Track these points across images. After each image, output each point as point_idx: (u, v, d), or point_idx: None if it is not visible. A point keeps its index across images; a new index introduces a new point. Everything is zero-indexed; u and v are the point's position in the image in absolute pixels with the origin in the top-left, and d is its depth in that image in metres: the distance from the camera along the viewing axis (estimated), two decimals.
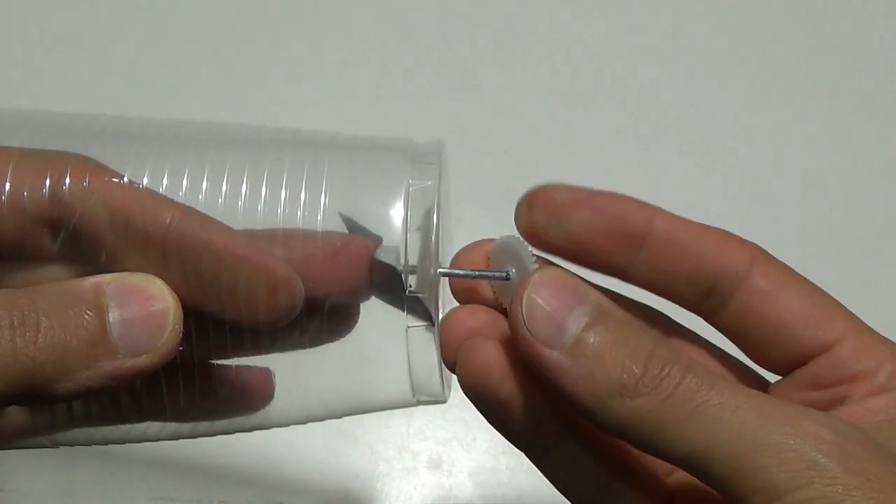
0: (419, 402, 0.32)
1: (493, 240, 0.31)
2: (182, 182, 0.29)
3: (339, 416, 0.32)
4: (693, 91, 0.64)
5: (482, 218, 0.47)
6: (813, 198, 0.61)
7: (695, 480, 0.30)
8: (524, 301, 0.28)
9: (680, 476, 0.33)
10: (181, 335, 0.28)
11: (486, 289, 0.32)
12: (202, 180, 0.29)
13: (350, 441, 0.54)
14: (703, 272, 0.31)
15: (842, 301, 0.31)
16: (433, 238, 0.30)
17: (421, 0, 0.67)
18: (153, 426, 0.31)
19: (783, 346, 0.31)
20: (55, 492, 0.53)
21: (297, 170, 0.29)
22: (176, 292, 0.28)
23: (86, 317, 0.27)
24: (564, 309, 0.28)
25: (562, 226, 0.30)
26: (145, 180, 0.29)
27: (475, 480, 0.52)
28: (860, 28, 0.66)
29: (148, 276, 0.28)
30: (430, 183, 0.30)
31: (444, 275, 0.31)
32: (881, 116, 0.63)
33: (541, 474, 0.33)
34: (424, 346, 0.30)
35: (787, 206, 0.61)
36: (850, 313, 0.32)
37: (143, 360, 0.27)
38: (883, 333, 0.31)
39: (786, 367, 0.32)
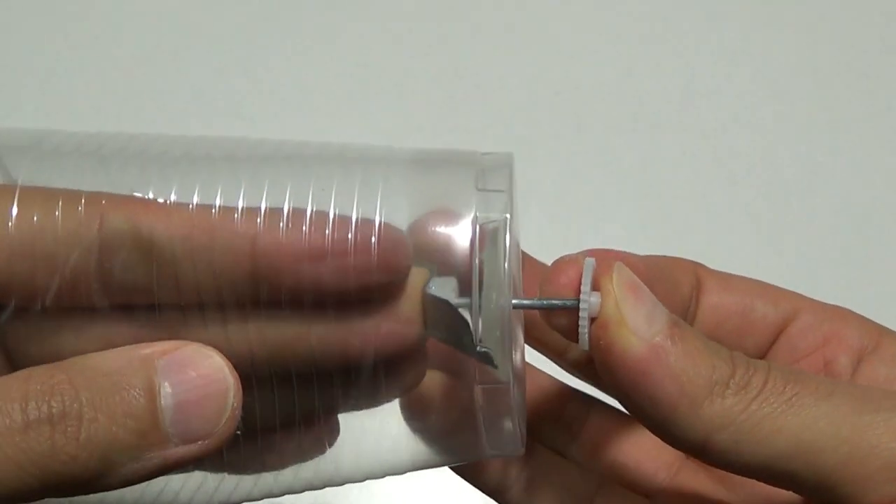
0: (492, 457, 0.29)
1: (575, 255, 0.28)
2: (215, 201, 0.25)
3: (400, 474, 0.29)
4: (694, 92, 0.64)
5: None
6: (815, 198, 0.61)
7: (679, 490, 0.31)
8: (618, 279, 0.26)
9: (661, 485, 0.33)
10: (240, 419, 0.24)
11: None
12: (238, 199, 0.26)
13: None
14: (681, 295, 0.31)
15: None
16: (503, 265, 0.26)
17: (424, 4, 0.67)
18: (172, 481, 0.28)
19: (755, 330, 0.31)
20: None
21: (347, 190, 0.26)
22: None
23: (135, 402, 0.23)
24: (650, 301, 0.27)
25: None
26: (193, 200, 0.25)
27: None
28: (862, 28, 0.66)
29: (203, 348, 0.25)
30: (500, 217, 0.26)
31: (517, 307, 0.27)
32: (884, 116, 0.63)
33: None
34: (499, 405, 0.27)
35: (788, 206, 0.61)
36: (793, 291, 0.32)
37: (196, 449, 0.24)
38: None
39: (760, 353, 0.32)
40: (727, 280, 0.32)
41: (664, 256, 0.32)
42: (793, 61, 0.65)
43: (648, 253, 0.31)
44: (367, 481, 0.30)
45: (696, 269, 0.32)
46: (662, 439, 0.27)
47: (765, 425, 0.26)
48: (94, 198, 0.25)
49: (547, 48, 0.65)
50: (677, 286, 0.31)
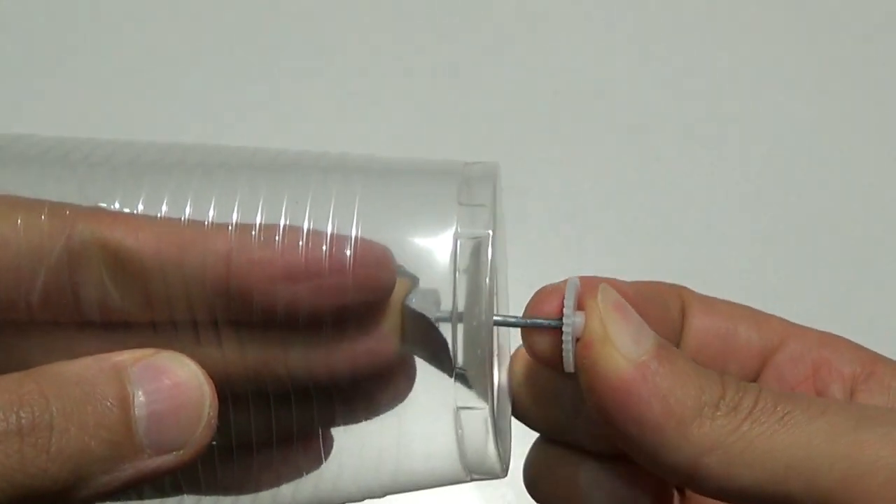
0: (472, 479, 0.28)
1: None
2: (185, 212, 0.25)
3: (379, 496, 0.28)
4: (693, 91, 0.63)
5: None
6: (814, 199, 0.60)
7: None
8: (603, 298, 0.26)
9: None
10: (216, 428, 0.24)
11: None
12: (208, 210, 0.25)
13: None
14: (672, 319, 0.30)
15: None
16: (485, 281, 0.25)
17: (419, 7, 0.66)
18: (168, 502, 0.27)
19: (739, 355, 0.30)
20: None
21: (322, 202, 0.25)
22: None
23: (108, 413, 0.23)
24: (636, 322, 0.26)
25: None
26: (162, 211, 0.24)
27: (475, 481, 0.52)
28: (861, 29, 0.66)
29: (177, 356, 0.24)
30: (481, 233, 0.26)
31: (498, 324, 0.26)
32: (883, 117, 0.63)
33: None
34: (478, 429, 0.26)
35: (787, 207, 0.60)
36: (779, 317, 0.31)
37: (171, 459, 0.23)
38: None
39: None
40: (711, 303, 0.31)
41: (649, 281, 0.31)
42: (794, 66, 0.64)
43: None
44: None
45: (681, 292, 0.31)
46: (650, 468, 0.26)
47: (756, 446, 0.24)
48: (58, 209, 0.24)
49: (545, 50, 0.65)
50: (667, 309, 0.30)
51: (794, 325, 0.31)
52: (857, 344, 0.30)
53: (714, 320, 0.30)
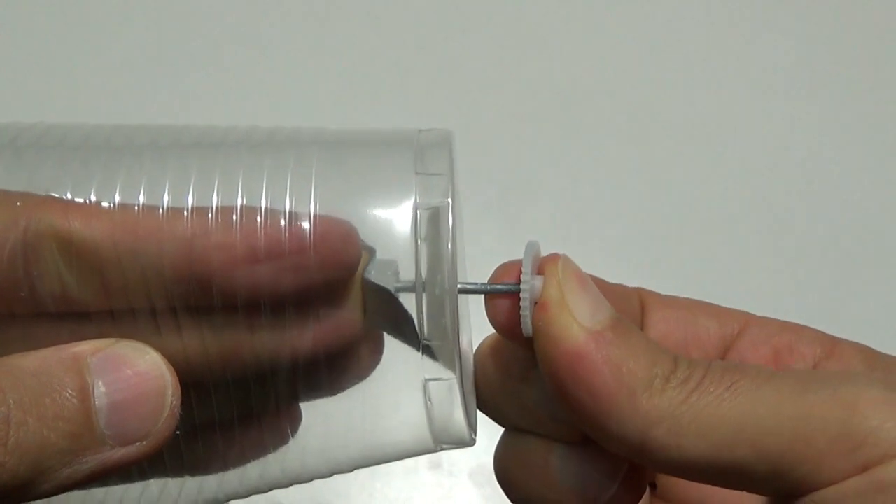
0: (442, 449, 0.28)
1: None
2: (139, 198, 0.24)
3: (348, 471, 0.28)
4: (693, 91, 0.63)
5: (478, 217, 0.46)
6: (813, 198, 0.60)
7: None
8: (563, 266, 0.26)
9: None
10: (179, 417, 0.23)
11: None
12: (163, 194, 0.24)
13: None
14: (632, 310, 0.30)
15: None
16: (447, 249, 0.25)
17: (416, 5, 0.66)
18: (132, 490, 0.26)
19: (700, 343, 0.30)
20: None
21: (279, 179, 0.25)
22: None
23: (67, 404, 0.22)
24: (595, 293, 0.26)
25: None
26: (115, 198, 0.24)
27: (475, 480, 0.52)
28: (861, 28, 0.65)
29: (138, 345, 0.24)
30: (440, 202, 0.25)
31: (461, 292, 0.26)
32: (883, 117, 0.62)
33: None
34: (447, 399, 0.26)
35: (787, 206, 0.60)
36: (740, 309, 0.31)
37: (134, 450, 0.23)
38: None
39: None
40: (669, 299, 0.31)
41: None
42: (792, 66, 0.64)
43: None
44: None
45: (640, 292, 0.31)
46: (600, 440, 0.26)
47: (705, 415, 0.24)
48: (8, 200, 0.24)
49: (545, 49, 0.64)
50: (628, 303, 0.30)
51: (755, 315, 0.31)
52: (819, 331, 0.30)
53: (674, 311, 0.30)
